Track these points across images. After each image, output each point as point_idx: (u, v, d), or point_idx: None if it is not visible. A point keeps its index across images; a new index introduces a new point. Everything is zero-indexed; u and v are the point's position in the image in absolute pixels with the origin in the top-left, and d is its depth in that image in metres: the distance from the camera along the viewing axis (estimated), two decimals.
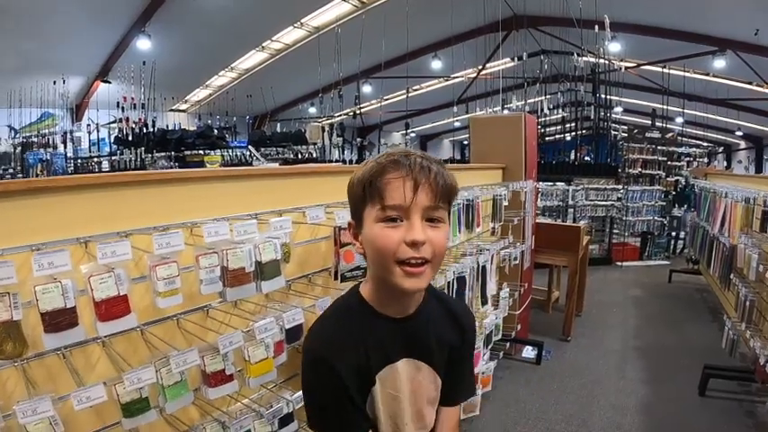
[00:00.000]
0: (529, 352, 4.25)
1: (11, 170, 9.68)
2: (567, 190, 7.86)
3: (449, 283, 2.67)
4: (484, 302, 3.11)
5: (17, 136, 10.49)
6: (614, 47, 10.28)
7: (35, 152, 9.46)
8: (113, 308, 1.15)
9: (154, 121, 9.08)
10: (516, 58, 10.79)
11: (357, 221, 1.00)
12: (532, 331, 4.61)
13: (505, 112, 10.95)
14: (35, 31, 9.45)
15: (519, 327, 4.10)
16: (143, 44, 10.41)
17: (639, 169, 8.49)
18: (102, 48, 11.43)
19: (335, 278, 1.83)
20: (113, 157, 8.75)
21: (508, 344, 3.96)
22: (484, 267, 3.02)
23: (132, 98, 9.10)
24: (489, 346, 3.34)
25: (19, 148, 9.78)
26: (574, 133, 9.74)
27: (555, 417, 3.26)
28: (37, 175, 8.60)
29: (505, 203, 3.46)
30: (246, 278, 1.43)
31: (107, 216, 1.28)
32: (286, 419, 1.63)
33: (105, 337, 1.25)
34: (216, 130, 9.45)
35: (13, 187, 1.15)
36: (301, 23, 11.45)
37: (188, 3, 9.75)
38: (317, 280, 1.91)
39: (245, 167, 6.62)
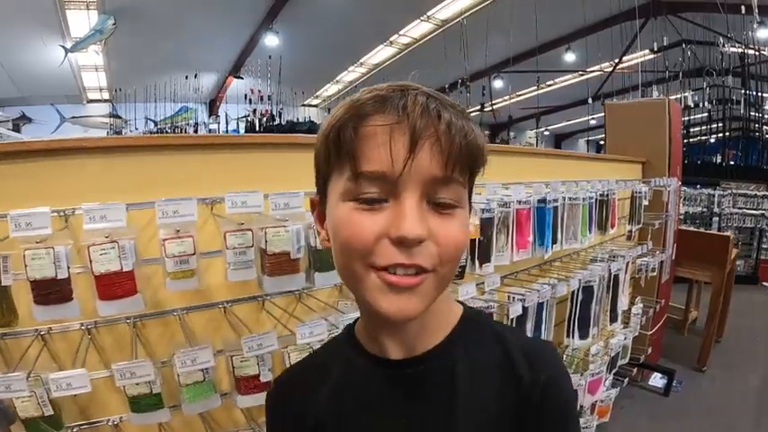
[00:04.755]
0: (657, 380, 3.73)
1: None
2: (713, 195, 7.03)
3: (573, 293, 2.28)
4: (613, 319, 2.67)
5: (154, 127, 11.63)
6: (763, 33, 8.81)
7: None
8: None
9: (280, 113, 9.40)
10: (650, 51, 9.78)
11: (321, 197, 0.64)
12: (663, 355, 4.05)
13: None
14: (170, 33, 10.20)
15: (650, 350, 3.57)
16: (271, 41, 10.87)
17: None
18: (233, 46, 12.09)
19: None
20: None
21: (635, 369, 3.45)
22: (616, 277, 2.58)
23: (259, 91, 9.50)
24: (613, 371, 2.89)
25: None
26: (719, 135, 8.67)
27: None
28: None
29: (645, 203, 3.00)
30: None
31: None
32: None
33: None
34: None
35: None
36: (428, 16, 11.29)
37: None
38: None
39: None
